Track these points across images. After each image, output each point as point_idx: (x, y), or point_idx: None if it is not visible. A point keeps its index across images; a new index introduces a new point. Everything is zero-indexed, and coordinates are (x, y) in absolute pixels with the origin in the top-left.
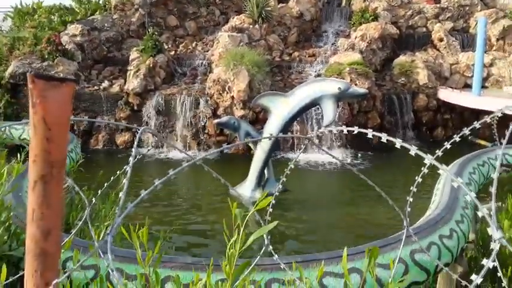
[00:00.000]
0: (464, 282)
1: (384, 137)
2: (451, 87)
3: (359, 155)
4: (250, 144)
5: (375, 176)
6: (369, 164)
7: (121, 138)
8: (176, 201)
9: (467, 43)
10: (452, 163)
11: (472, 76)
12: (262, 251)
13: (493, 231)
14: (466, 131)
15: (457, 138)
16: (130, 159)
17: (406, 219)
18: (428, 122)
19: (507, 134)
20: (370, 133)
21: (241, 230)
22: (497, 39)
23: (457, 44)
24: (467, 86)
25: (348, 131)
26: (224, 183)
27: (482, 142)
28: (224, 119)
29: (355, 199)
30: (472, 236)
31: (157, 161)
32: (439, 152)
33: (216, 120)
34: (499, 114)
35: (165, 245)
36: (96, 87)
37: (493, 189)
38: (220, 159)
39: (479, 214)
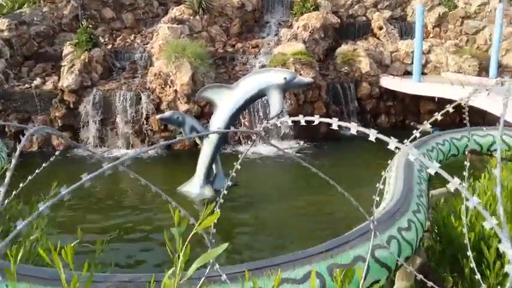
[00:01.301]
0: (420, 276)
1: (354, 129)
2: (392, 75)
3: (305, 144)
4: (197, 140)
5: (324, 166)
6: (319, 153)
7: (57, 139)
8: (117, 203)
9: (405, 31)
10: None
11: (412, 63)
12: (208, 271)
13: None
14: (438, 115)
15: (427, 125)
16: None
17: (374, 214)
18: (372, 110)
19: None
20: (317, 120)
21: (183, 249)
22: (434, 27)
23: (396, 32)
24: (407, 73)
25: (293, 121)
26: (156, 186)
27: (425, 127)
28: (167, 113)
29: (307, 190)
30: (427, 224)
31: (100, 162)
32: (407, 142)
33: (158, 116)
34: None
35: (102, 258)
36: (27, 85)
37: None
38: (166, 155)
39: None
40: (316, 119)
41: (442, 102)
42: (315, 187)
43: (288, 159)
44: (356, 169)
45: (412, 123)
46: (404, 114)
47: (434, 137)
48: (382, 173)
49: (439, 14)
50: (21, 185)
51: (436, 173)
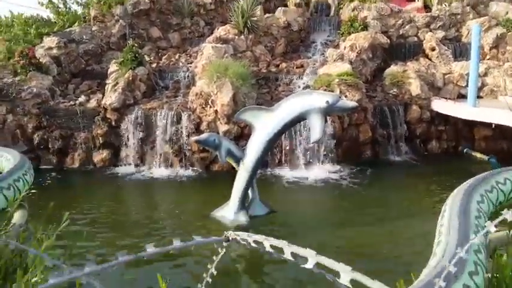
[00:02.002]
0: None
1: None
2: (444, 98)
3: (348, 169)
4: (233, 163)
5: (368, 193)
6: (363, 179)
7: (98, 157)
8: (152, 224)
9: (459, 52)
10: (457, 189)
11: (466, 86)
12: None
13: None
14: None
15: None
16: None
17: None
18: (422, 134)
19: None
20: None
21: None
22: (491, 48)
23: (450, 53)
24: (461, 96)
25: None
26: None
27: (479, 155)
28: (203, 136)
29: (349, 220)
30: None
31: (138, 181)
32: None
33: (194, 138)
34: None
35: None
36: (72, 103)
37: None
38: (203, 176)
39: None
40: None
41: (499, 128)
42: (362, 218)
43: (334, 186)
44: (404, 198)
45: (465, 151)
46: (457, 140)
47: (493, 174)
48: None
49: (497, 35)
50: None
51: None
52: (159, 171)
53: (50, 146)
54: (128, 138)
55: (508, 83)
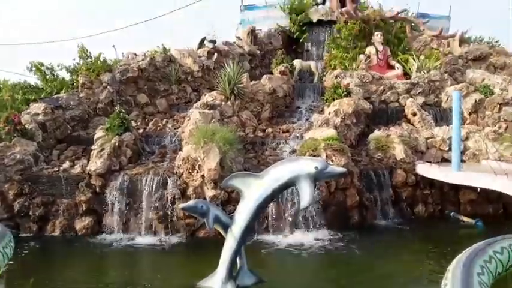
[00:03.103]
0: None
1: None
2: (429, 162)
3: (336, 235)
4: (220, 230)
5: (356, 262)
6: (352, 245)
7: (80, 224)
8: None
9: (440, 117)
10: (455, 260)
11: (449, 150)
12: None
13: None
14: None
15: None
16: None
17: None
18: (408, 198)
19: None
20: None
21: None
22: (470, 113)
23: (431, 118)
24: (444, 160)
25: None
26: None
27: (465, 219)
28: (191, 203)
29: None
30: None
31: (121, 249)
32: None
33: (181, 205)
34: None
35: None
36: (55, 169)
37: None
38: (189, 242)
39: None
40: None
41: (484, 192)
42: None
43: (322, 253)
44: (394, 267)
45: (452, 214)
46: (443, 203)
47: (489, 243)
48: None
49: (476, 101)
50: None
51: None
52: (144, 239)
53: (30, 214)
54: (112, 205)
55: (490, 147)
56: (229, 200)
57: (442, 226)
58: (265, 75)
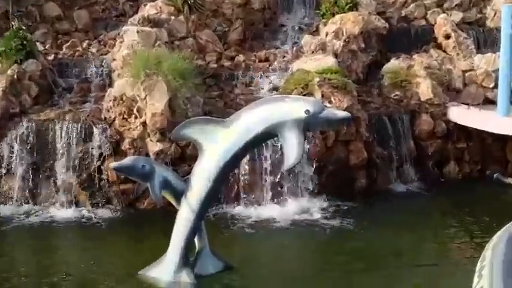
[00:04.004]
0: None
1: None
2: (466, 104)
3: (335, 204)
4: (171, 200)
5: (363, 242)
6: (353, 220)
7: None
8: None
9: (484, 41)
10: (496, 235)
11: (495, 88)
12: None
13: None
14: None
15: None
16: None
17: None
18: (435, 155)
19: None
20: None
21: None
22: None
23: (471, 42)
24: (488, 102)
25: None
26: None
27: None
28: (127, 161)
29: (337, 277)
30: None
31: (28, 227)
32: None
33: (113, 164)
34: None
35: None
36: None
37: None
38: (128, 216)
39: None
40: None
41: None
42: (357, 278)
43: (315, 231)
44: (415, 248)
45: (495, 176)
46: (484, 162)
47: None
48: None
49: None
50: None
51: None
52: (60, 213)
53: None
54: (11, 164)
55: None
56: (183, 158)
57: (482, 192)
58: None
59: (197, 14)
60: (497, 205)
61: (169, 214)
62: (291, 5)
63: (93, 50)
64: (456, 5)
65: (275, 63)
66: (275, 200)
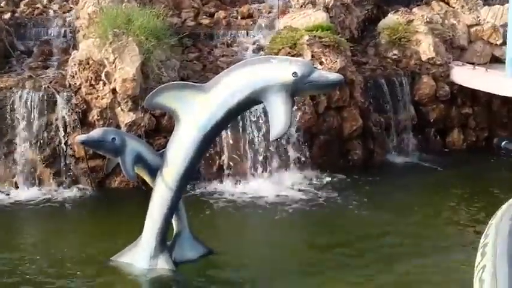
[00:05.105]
0: None
1: None
2: (471, 63)
3: (330, 177)
4: (145, 177)
5: (358, 218)
6: (347, 195)
7: None
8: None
9: None
10: (500, 210)
11: (503, 44)
12: None
13: None
14: None
15: None
16: None
17: None
18: (438, 121)
19: None
20: None
21: None
22: None
23: None
24: (496, 60)
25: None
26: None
27: None
28: (95, 133)
29: (327, 260)
30: None
31: None
32: None
33: (80, 137)
34: None
35: None
36: None
37: None
38: (96, 196)
39: None
40: None
41: None
42: (351, 259)
43: (305, 207)
44: (415, 225)
45: (503, 144)
46: (491, 128)
47: None
48: None
49: None
50: None
51: None
52: (22, 193)
53: None
54: None
55: None
56: (158, 129)
57: (488, 162)
58: None
59: None
60: (504, 177)
61: (143, 193)
62: None
63: (55, 7)
64: None
65: (259, 20)
66: (261, 175)
